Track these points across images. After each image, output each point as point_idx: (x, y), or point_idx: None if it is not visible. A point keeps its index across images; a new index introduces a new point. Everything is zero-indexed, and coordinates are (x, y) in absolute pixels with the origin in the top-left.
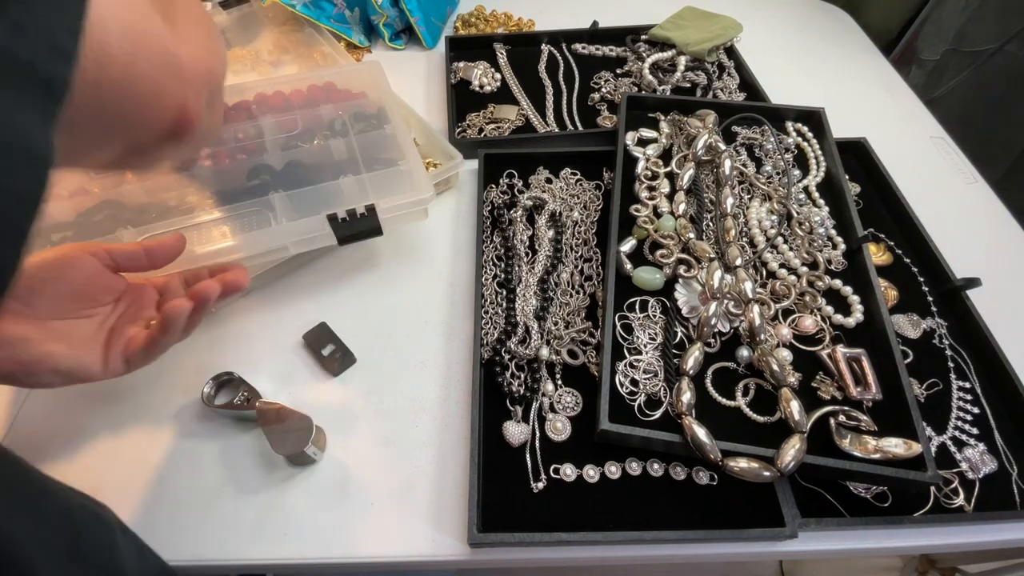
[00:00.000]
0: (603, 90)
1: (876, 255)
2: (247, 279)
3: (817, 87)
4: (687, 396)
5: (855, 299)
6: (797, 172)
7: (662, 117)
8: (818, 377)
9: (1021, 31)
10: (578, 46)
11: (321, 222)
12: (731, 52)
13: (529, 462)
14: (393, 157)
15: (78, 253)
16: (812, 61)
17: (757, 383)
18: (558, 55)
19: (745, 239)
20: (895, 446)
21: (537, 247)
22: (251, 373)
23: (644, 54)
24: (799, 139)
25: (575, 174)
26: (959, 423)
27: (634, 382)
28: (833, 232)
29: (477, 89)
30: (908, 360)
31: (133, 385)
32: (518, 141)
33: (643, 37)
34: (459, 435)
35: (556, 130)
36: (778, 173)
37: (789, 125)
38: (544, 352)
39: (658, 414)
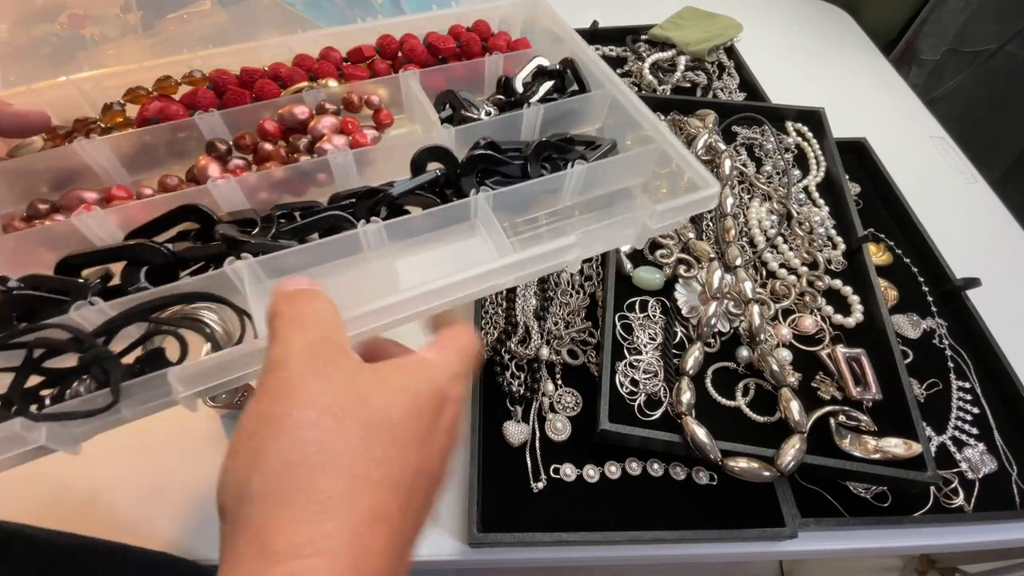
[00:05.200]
0: None
1: (876, 255)
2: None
3: (817, 87)
4: (687, 396)
5: (855, 299)
6: (797, 172)
7: (662, 117)
8: (818, 377)
9: (1021, 31)
10: None
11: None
12: (731, 52)
13: (529, 462)
14: (621, 128)
15: None
16: (812, 61)
17: (757, 383)
18: None
19: (745, 239)
20: (895, 446)
21: None
22: None
23: (644, 54)
24: (799, 139)
25: None
26: (959, 423)
27: (634, 382)
28: (833, 232)
29: None
30: (908, 360)
31: None
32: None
33: (643, 37)
34: (459, 435)
35: None
36: (778, 173)
37: (789, 125)
38: (544, 352)
39: (658, 414)
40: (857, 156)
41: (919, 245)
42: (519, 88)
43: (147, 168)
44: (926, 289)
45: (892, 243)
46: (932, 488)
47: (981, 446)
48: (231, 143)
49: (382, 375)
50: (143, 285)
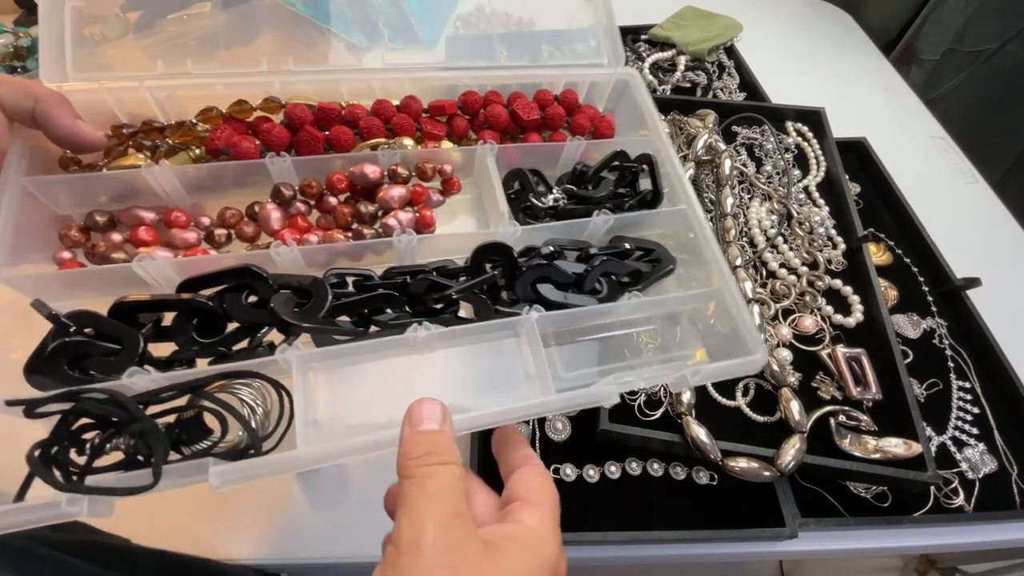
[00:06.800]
0: None
1: (876, 255)
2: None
3: (817, 87)
4: (687, 396)
5: (855, 299)
6: (797, 172)
7: (662, 117)
8: (818, 377)
9: (1021, 31)
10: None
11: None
12: (731, 52)
13: None
14: (684, 245)
15: None
16: (812, 61)
17: (757, 383)
18: None
19: (745, 239)
20: (895, 446)
21: None
22: None
23: (644, 54)
24: (799, 139)
25: None
26: (959, 423)
27: None
28: (833, 232)
29: None
30: (908, 360)
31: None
32: None
33: (643, 37)
34: (459, 435)
35: None
36: (778, 173)
37: (789, 125)
38: None
39: (658, 414)
40: (857, 156)
41: (919, 245)
42: (592, 181)
43: (207, 192)
44: (926, 289)
45: (892, 243)
46: (932, 488)
47: (981, 446)
48: (297, 189)
49: (503, 563)
50: (192, 338)
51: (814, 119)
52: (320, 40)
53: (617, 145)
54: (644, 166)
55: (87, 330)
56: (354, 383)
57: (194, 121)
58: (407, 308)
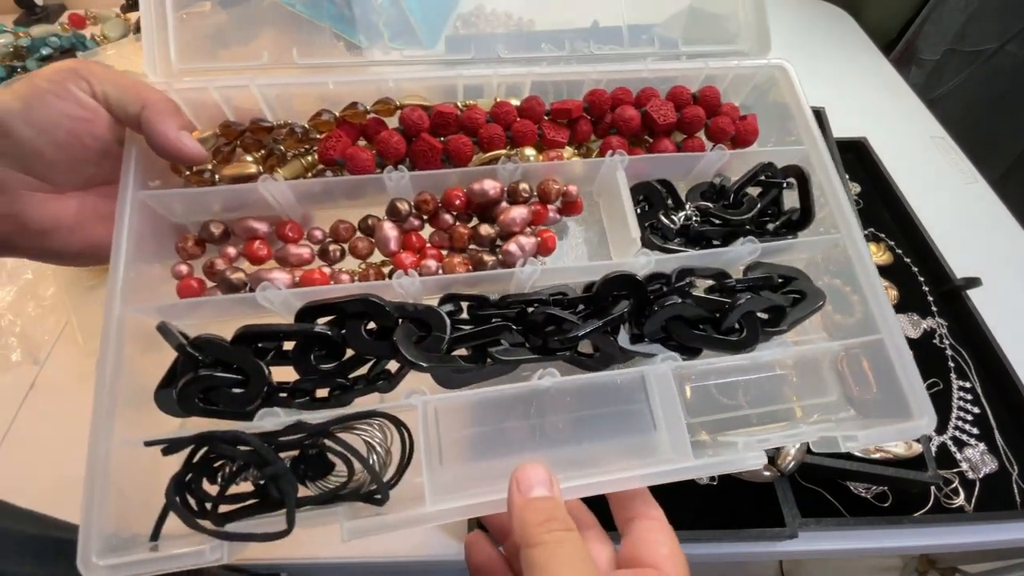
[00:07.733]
0: None
1: (876, 255)
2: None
3: (817, 87)
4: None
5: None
6: None
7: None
8: None
9: (1021, 31)
10: None
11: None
12: None
13: None
14: (835, 276)
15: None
16: (812, 61)
17: None
18: None
19: None
20: (895, 446)
21: None
22: None
23: None
24: None
25: None
26: (959, 423)
27: None
28: None
29: None
30: None
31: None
32: None
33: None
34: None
35: None
36: None
37: None
38: None
39: None
40: (857, 156)
41: (919, 245)
42: (732, 197)
43: (318, 201)
44: (926, 289)
45: (892, 243)
46: (932, 488)
47: (982, 446)
48: (412, 203)
49: None
50: (312, 366)
51: (814, 119)
52: (320, 41)
53: (763, 156)
54: (792, 180)
55: (216, 363)
56: (469, 419)
57: (306, 126)
58: (524, 341)
